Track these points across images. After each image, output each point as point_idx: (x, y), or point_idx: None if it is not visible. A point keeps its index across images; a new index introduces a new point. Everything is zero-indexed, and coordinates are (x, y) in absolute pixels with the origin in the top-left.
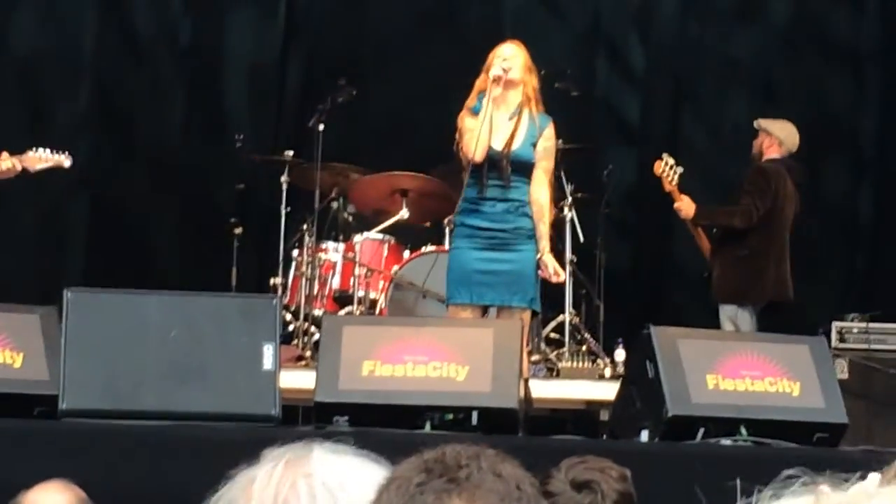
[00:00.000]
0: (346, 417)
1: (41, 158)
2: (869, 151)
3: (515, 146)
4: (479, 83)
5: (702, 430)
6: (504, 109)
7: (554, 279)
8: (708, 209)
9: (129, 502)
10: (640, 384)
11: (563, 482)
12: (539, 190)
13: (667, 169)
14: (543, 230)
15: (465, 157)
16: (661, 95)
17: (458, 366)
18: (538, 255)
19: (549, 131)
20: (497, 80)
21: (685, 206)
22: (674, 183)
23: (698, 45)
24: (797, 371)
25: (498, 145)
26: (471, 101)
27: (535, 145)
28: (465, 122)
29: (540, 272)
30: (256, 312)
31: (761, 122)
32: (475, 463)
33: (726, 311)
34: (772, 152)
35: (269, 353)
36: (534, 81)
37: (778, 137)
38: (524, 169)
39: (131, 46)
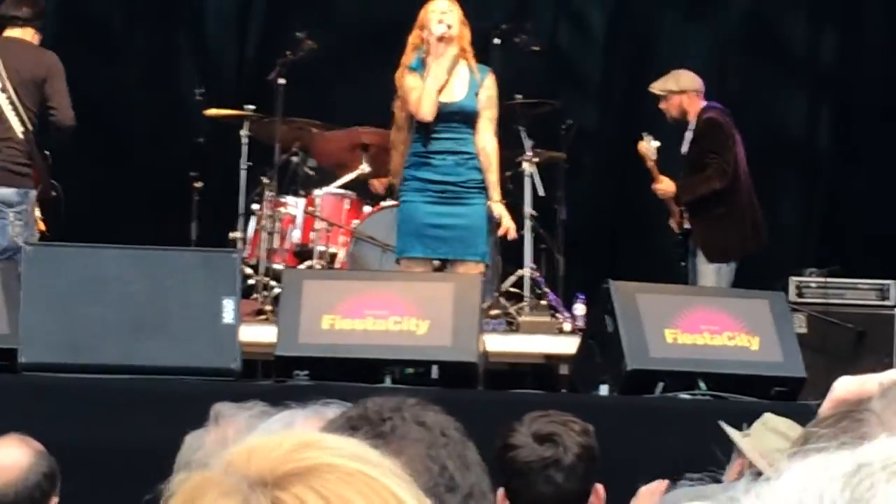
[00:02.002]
0: (306, 371)
1: None
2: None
3: (459, 97)
4: (413, 39)
5: (661, 384)
6: (442, 62)
7: (506, 233)
8: (688, 184)
9: (89, 455)
10: (600, 338)
11: (525, 435)
12: (485, 138)
13: (648, 146)
14: (493, 179)
15: (415, 115)
16: (622, 50)
17: (418, 320)
18: (489, 203)
19: (490, 80)
20: (442, 38)
21: (664, 187)
22: (653, 159)
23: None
24: (756, 325)
25: (442, 98)
26: (407, 59)
27: (477, 95)
28: (407, 80)
29: (500, 231)
30: (217, 266)
31: (661, 86)
32: (398, 415)
33: (714, 269)
34: (697, 104)
35: (229, 306)
36: (468, 34)
37: (693, 90)
38: (470, 119)
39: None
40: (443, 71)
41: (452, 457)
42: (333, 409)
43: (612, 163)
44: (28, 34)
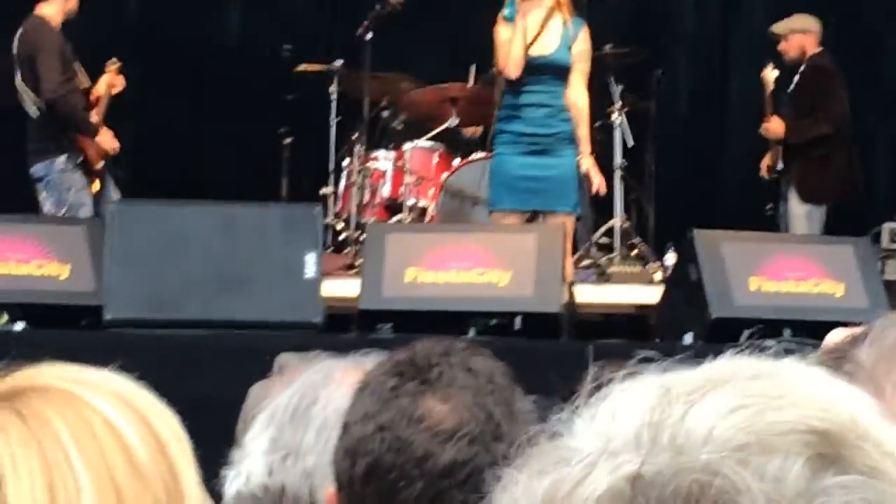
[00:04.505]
0: (389, 324)
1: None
2: None
3: (550, 51)
4: None
5: (746, 333)
6: (535, 15)
7: (595, 188)
8: (798, 127)
9: (173, 410)
10: (684, 287)
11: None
12: (576, 93)
13: (770, 74)
14: (583, 133)
15: (501, 71)
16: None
17: (501, 271)
18: (578, 158)
19: (584, 34)
20: None
21: (774, 127)
22: (771, 88)
23: None
24: (841, 272)
25: (534, 52)
26: (504, 9)
27: (570, 49)
28: (500, 32)
29: (585, 184)
30: (298, 221)
31: (783, 26)
32: (445, 361)
33: (806, 212)
34: (814, 48)
35: (311, 261)
36: None
37: (814, 33)
38: (561, 73)
39: None
40: (535, 25)
41: (499, 404)
42: (373, 359)
43: (701, 111)
44: (52, 8)
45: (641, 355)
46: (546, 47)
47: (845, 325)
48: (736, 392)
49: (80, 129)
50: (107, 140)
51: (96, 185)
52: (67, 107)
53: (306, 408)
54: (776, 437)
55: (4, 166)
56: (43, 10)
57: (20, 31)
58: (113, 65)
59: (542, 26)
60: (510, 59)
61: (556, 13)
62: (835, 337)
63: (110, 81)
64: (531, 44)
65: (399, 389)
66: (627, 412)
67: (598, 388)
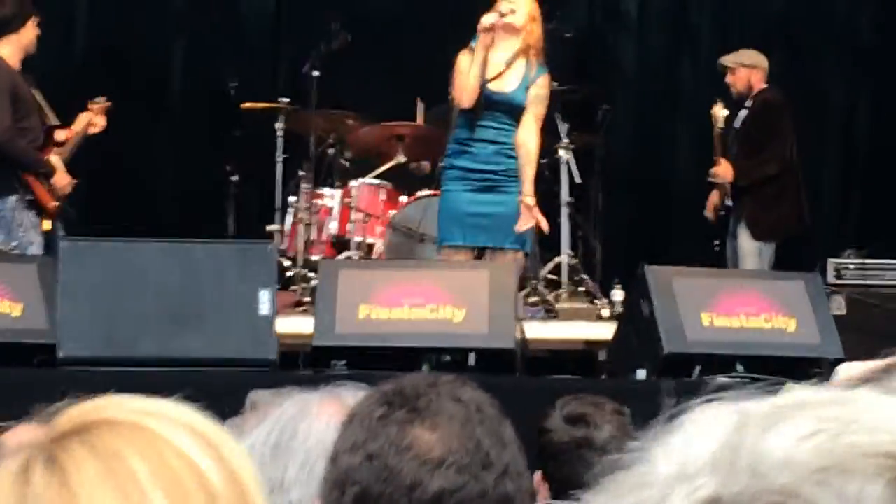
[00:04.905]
0: (343, 361)
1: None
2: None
3: (509, 89)
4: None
5: (698, 368)
6: (502, 53)
7: (523, 226)
8: (745, 168)
9: None
10: (636, 323)
11: (557, 418)
12: (527, 134)
13: (719, 112)
14: (529, 173)
15: (455, 99)
16: (657, 37)
17: (454, 308)
18: (519, 198)
19: (543, 80)
20: (486, 29)
21: (723, 171)
22: (721, 126)
23: None
24: (792, 307)
25: (493, 87)
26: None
27: (527, 90)
28: (461, 62)
29: (518, 224)
30: (253, 258)
31: (733, 59)
32: (433, 391)
33: (756, 249)
34: (760, 83)
35: (265, 298)
36: (537, 31)
37: (761, 68)
38: (515, 112)
39: None
40: (500, 63)
41: (488, 434)
42: (349, 391)
43: (647, 147)
44: (6, 49)
45: (715, 384)
46: (505, 85)
47: (797, 360)
48: (811, 417)
49: (32, 171)
50: (60, 180)
51: (47, 224)
52: (15, 150)
53: (287, 442)
54: (854, 461)
55: None
56: None
57: None
58: (96, 104)
59: (508, 65)
60: (464, 88)
61: (522, 56)
62: (849, 371)
63: (91, 121)
64: (492, 80)
65: (387, 419)
66: (703, 438)
67: (672, 418)
